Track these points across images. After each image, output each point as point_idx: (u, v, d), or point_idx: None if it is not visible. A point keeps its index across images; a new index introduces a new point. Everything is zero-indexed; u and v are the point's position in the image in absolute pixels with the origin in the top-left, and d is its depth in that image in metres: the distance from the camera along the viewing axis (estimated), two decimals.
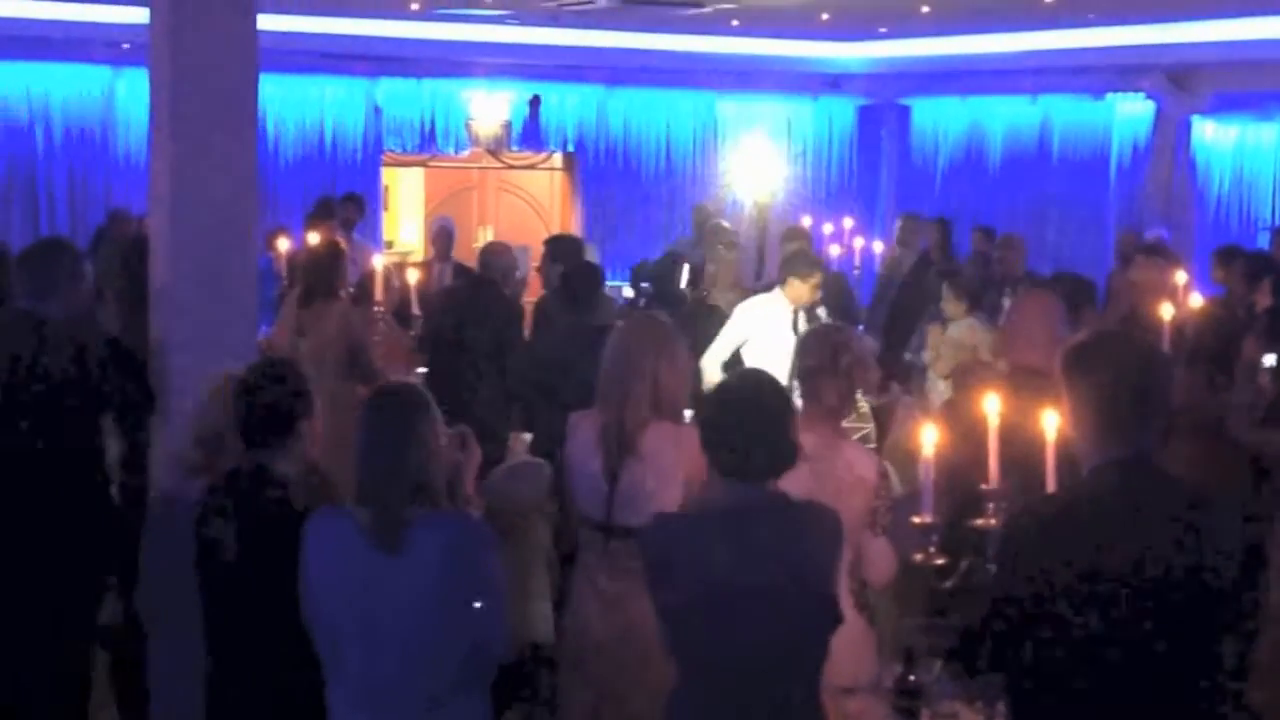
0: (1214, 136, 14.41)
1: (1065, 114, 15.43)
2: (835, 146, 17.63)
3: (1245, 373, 6.54)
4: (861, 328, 9.98)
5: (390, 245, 15.89)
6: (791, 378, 5.32)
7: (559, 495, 5.72)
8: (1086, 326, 6.60)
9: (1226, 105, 14.04)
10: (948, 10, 12.56)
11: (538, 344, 8.32)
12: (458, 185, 17.08)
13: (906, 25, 14.16)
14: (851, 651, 4.35)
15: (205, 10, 5.55)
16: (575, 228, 15.95)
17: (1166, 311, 7.33)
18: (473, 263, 10.03)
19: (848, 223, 12.28)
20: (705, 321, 8.67)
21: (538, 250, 9.75)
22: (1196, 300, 8.48)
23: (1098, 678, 3.32)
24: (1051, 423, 3.88)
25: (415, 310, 8.70)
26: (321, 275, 8.22)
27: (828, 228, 12.15)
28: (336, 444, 4.47)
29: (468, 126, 15.85)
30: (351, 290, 8.75)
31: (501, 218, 16.96)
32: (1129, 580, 3.28)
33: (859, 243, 11.61)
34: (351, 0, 13.04)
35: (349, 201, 12.53)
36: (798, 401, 4.77)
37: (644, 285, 11.24)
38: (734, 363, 8.30)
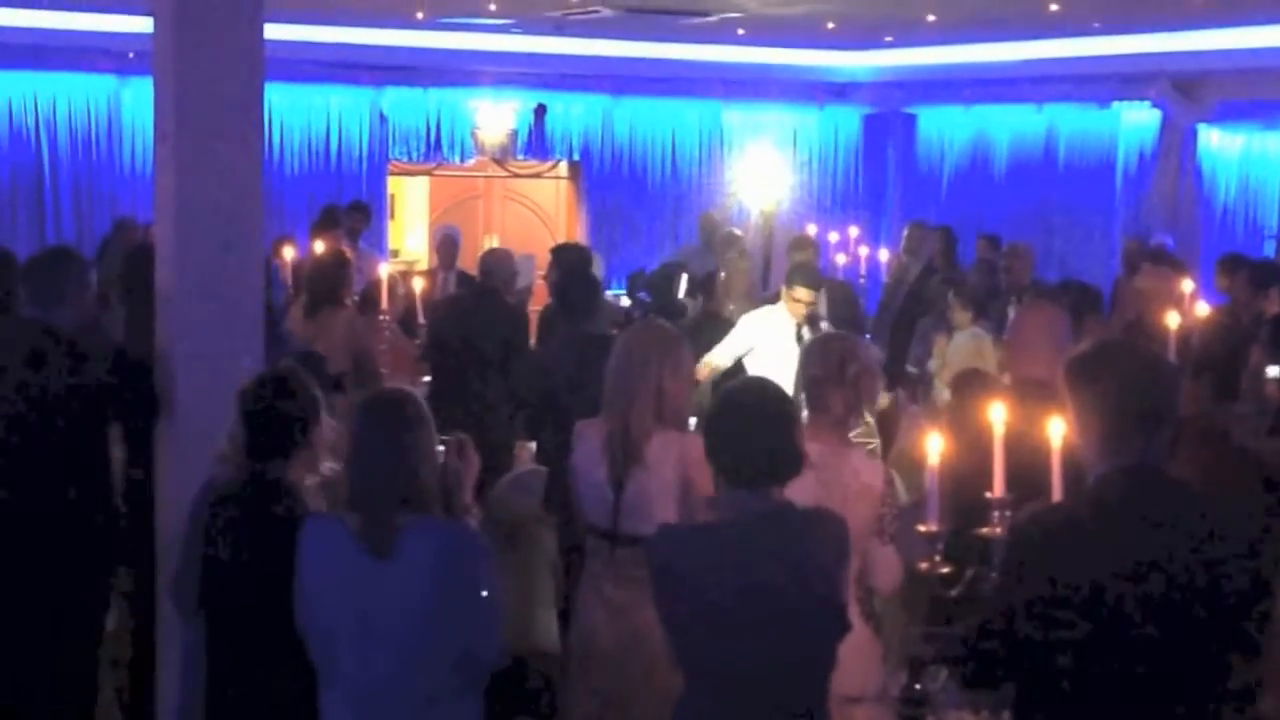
0: (1220, 145, 14.41)
1: (1071, 122, 15.43)
2: (841, 155, 17.64)
3: (1251, 382, 6.53)
4: (868, 336, 9.97)
5: (396, 254, 15.91)
6: (797, 388, 5.31)
7: (566, 503, 5.71)
8: (1090, 335, 6.60)
9: (1232, 114, 14.04)
10: (953, 19, 12.57)
11: (539, 353, 8.33)
12: (463, 194, 17.08)
13: (912, 34, 14.17)
14: (857, 660, 4.34)
15: (210, 19, 5.55)
16: (581, 236, 15.95)
17: (1172, 320, 7.33)
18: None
19: (853, 231, 12.28)
20: (711, 332, 8.67)
21: (543, 259, 9.76)
22: (1203, 309, 8.46)
23: (1104, 686, 3.31)
24: (1057, 431, 3.88)
25: (421, 319, 8.71)
26: (327, 284, 8.23)
27: (833, 236, 12.15)
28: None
29: (473, 135, 15.87)
30: (357, 299, 8.76)
31: (507, 226, 16.96)
32: (1136, 588, 3.28)
33: (864, 251, 11.61)
34: (357, 9, 13.05)
35: (355, 210, 12.54)
36: (804, 411, 4.77)
37: (641, 295, 11.25)
38: (736, 373, 8.30)
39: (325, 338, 7.93)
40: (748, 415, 3.83)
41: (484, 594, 3.86)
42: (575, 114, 16.38)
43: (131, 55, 13.20)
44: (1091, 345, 3.69)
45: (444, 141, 15.82)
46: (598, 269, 10.31)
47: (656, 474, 4.85)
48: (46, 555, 5.60)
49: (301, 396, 4.34)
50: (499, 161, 16.46)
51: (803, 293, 8.37)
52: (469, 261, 12.23)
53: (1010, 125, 16.08)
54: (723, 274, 10.00)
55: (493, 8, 12.57)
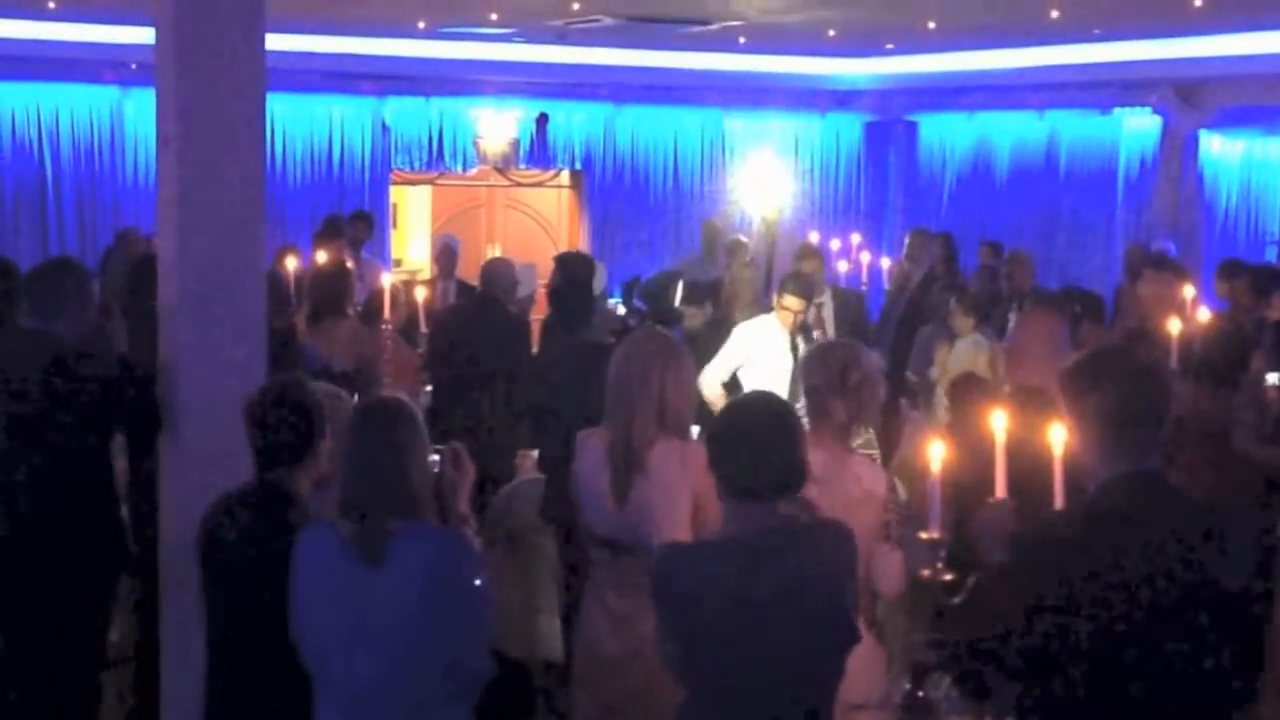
0: (1221, 151, 14.42)
1: (1072, 129, 15.45)
2: (843, 163, 17.65)
3: (1252, 388, 6.54)
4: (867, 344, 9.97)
5: (399, 263, 15.93)
6: (793, 399, 5.32)
7: (567, 512, 5.71)
8: (1088, 342, 6.61)
9: (1233, 120, 14.05)
10: (954, 26, 12.58)
11: (538, 361, 8.34)
12: (466, 203, 17.10)
13: (913, 42, 14.18)
14: (861, 667, 4.34)
15: (212, 29, 5.55)
16: (583, 245, 15.97)
17: (1174, 326, 7.32)
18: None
19: (855, 239, 12.30)
20: (718, 340, 8.67)
21: (545, 268, 9.77)
22: (1204, 315, 8.46)
23: (1108, 692, 3.31)
24: (1059, 438, 3.88)
25: (423, 328, 8.71)
26: (329, 294, 8.23)
27: (835, 244, 12.16)
28: None
29: (476, 144, 15.89)
30: (359, 308, 8.77)
31: (509, 235, 16.98)
32: (1140, 593, 3.28)
33: (866, 258, 11.61)
34: (359, 19, 13.07)
35: (357, 220, 12.56)
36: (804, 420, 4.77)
37: (637, 303, 11.25)
38: (732, 385, 8.31)
39: (328, 348, 7.94)
40: (754, 429, 3.83)
41: (473, 602, 3.86)
42: (577, 123, 16.40)
43: (134, 66, 13.24)
44: (1087, 355, 3.72)
45: (446, 151, 15.84)
46: (601, 278, 10.32)
47: (659, 483, 4.85)
48: (49, 566, 5.60)
49: (307, 406, 4.35)
50: (501, 170, 16.48)
51: (792, 301, 8.40)
52: (471, 271, 12.25)
53: (1012, 132, 16.10)
54: (728, 282, 10.01)
55: (494, 17, 12.58)
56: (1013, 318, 9.35)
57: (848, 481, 4.67)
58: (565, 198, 17.26)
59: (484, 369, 8.24)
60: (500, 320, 8.52)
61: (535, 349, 9.17)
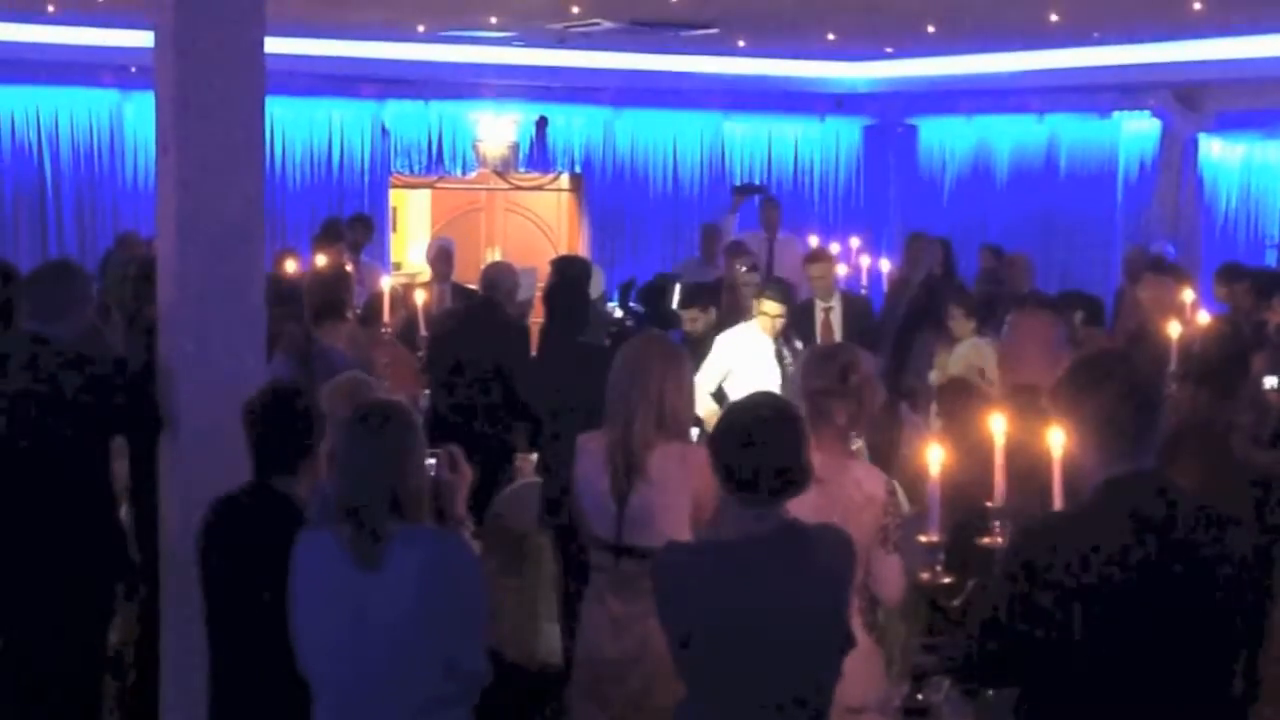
0: (1220, 154, 14.41)
1: (1071, 132, 15.44)
2: (842, 166, 17.63)
3: (1251, 391, 6.53)
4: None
5: (398, 266, 15.91)
6: None
7: (565, 515, 5.71)
8: (1087, 344, 6.60)
9: (1233, 123, 14.05)
10: (953, 30, 12.57)
11: (537, 364, 8.34)
12: (465, 206, 17.09)
13: (912, 45, 14.18)
14: (860, 671, 4.34)
15: (211, 33, 5.56)
16: (582, 248, 15.96)
17: (1174, 329, 7.33)
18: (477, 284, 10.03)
19: (855, 242, 12.29)
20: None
21: (545, 271, 9.76)
22: (1204, 317, 8.47)
23: (1108, 692, 3.31)
24: (1057, 440, 3.88)
25: (423, 331, 8.71)
26: (328, 297, 8.23)
27: (835, 247, 12.14)
28: None
29: (475, 148, 15.89)
30: (359, 312, 8.77)
31: (509, 238, 16.97)
32: (1139, 594, 3.28)
33: (865, 262, 11.61)
34: (358, 23, 13.07)
35: (357, 223, 12.56)
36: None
37: (634, 305, 11.24)
38: (719, 395, 8.29)
39: None
40: (757, 431, 3.82)
41: (471, 605, 3.86)
42: (576, 126, 16.39)
43: (133, 69, 13.24)
44: (1084, 358, 3.73)
45: (445, 154, 15.83)
46: (599, 282, 10.31)
47: (659, 485, 4.85)
48: (48, 569, 5.61)
49: (305, 409, 4.36)
50: (500, 174, 16.48)
51: (770, 306, 8.40)
52: (471, 274, 12.25)
53: (1011, 135, 16.10)
54: (729, 285, 10.01)
55: (494, 20, 12.59)
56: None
57: (848, 486, 4.67)
58: (565, 201, 17.26)
59: (483, 372, 8.24)
60: (499, 323, 8.52)
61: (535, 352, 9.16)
